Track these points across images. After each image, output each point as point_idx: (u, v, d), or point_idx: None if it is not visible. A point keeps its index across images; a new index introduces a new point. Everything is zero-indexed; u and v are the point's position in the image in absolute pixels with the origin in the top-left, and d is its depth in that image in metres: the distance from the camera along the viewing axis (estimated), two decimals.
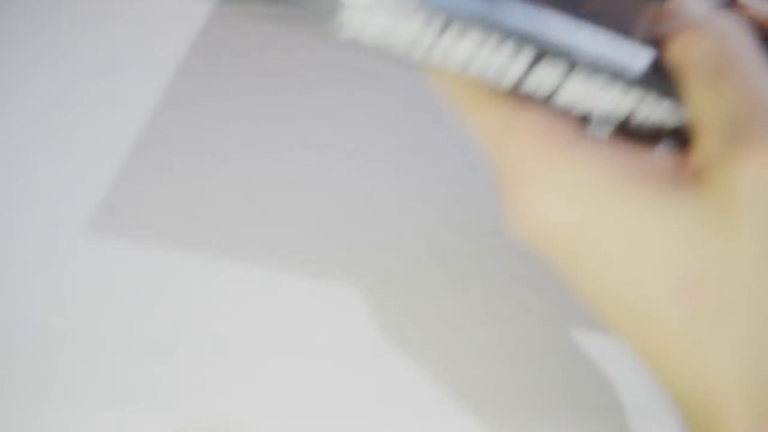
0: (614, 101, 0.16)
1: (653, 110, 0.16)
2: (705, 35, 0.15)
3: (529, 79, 0.15)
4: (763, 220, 0.14)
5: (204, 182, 0.37)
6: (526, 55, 0.15)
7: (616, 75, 0.15)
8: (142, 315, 0.33)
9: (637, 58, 0.16)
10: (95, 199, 0.37)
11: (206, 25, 0.44)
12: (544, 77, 0.15)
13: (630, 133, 0.17)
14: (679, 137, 0.18)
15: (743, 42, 0.15)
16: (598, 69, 0.15)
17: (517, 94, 0.16)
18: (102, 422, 0.30)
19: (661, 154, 0.16)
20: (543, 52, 0.15)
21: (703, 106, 0.15)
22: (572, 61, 0.15)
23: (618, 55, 0.15)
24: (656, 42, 0.16)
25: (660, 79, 0.16)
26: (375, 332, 0.32)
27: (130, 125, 0.39)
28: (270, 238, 0.35)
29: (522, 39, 0.15)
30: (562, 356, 0.31)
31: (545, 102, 0.16)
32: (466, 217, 0.36)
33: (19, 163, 0.38)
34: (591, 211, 0.15)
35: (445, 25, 0.15)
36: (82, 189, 0.37)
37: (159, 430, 0.29)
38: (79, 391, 0.30)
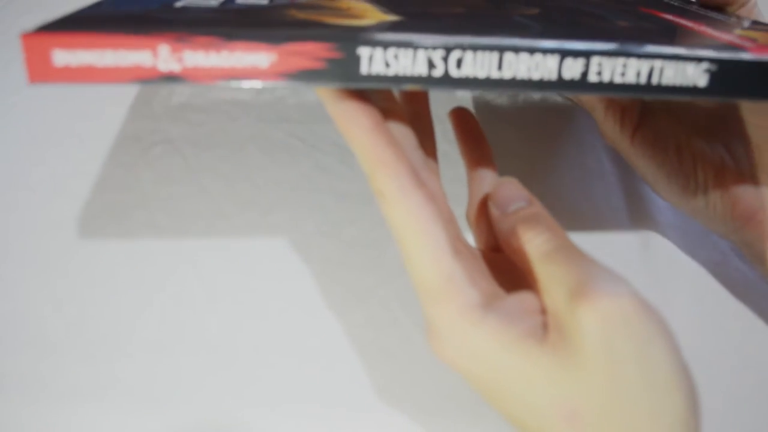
0: None
1: None
2: (539, 227, 0.22)
3: None
4: (605, 357, 0.19)
5: (207, 183, 0.38)
6: None
7: None
8: (141, 314, 0.33)
9: None
10: (94, 197, 0.37)
11: None
12: None
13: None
14: None
15: (561, 230, 0.23)
16: None
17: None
18: (102, 422, 0.30)
19: (534, 299, 0.22)
20: None
21: (547, 274, 0.21)
22: None
23: None
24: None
25: None
26: (376, 332, 0.33)
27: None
28: (270, 236, 0.36)
29: None
30: None
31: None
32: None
33: (17, 164, 0.39)
34: (492, 365, 0.21)
35: None
36: (79, 188, 0.37)
37: (159, 430, 0.30)
38: (78, 391, 0.30)
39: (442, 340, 0.22)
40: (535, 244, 0.22)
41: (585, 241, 0.35)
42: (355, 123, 0.21)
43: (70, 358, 0.31)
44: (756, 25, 0.28)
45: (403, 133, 0.24)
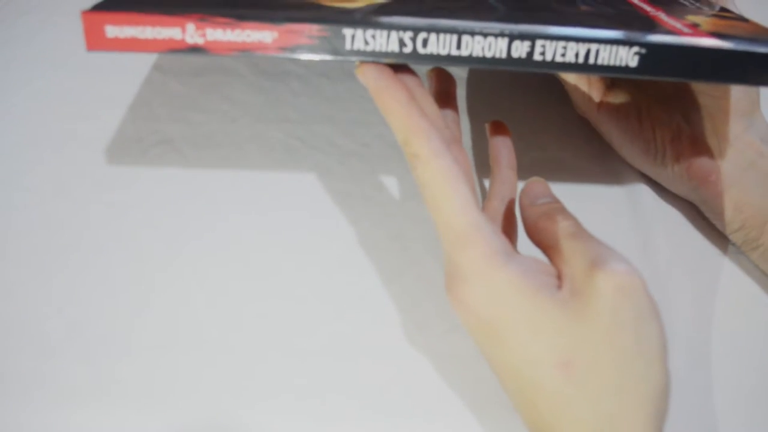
0: None
1: None
2: (566, 215, 0.27)
3: None
4: (610, 318, 0.22)
5: (207, 183, 0.39)
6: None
7: None
8: (141, 314, 0.34)
9: None
10: (94, 197, 0.38)
11: None
12: None
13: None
14: None
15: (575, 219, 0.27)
16: None
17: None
18: (102, 422, 0.30)
19: (547, 265, 0.26)
20: None
21: (571, 248, 0.25)
22: None
23: None
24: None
25: None
26: (376, 332, 0.33)
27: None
28: (270, 236, 0.37)
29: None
30: None
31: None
32: None
33: (17, 164, 0.39)
34: (505, 309, 0.23)
35: None
36: (79, 188, 0.38)
37: (158, 429, 0.30)
38: (78, 391, 0.31)
39: (465, 282, 0.24)
40: (562, 226, 0.26)
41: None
42: (393, 96, 0.26)
43: (70, 358, 0.32)
44: (721, 11, 0.32)
45: (431, 110, 0.29)
